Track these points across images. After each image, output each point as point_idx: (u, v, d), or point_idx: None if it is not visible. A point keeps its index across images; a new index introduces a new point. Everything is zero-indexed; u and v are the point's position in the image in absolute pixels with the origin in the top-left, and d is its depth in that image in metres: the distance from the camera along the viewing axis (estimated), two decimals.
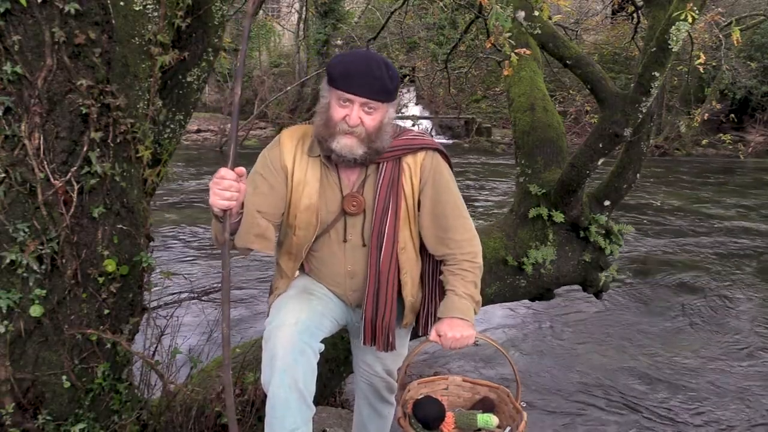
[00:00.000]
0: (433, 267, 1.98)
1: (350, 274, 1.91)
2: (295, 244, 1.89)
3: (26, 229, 1.85)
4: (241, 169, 1.59)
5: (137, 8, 1.96)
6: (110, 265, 1.99)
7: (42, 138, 1.83)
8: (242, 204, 1.67)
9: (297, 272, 2.00)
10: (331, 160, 1.82)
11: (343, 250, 1.89)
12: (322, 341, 1.83)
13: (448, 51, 7.40)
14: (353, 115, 1.70)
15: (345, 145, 1.73)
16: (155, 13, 2.02)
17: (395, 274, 1.88)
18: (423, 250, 1.96)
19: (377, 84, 1.70)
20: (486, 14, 4.22)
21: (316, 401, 1.81)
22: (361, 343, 1.97)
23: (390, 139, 1.81)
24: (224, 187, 1.57)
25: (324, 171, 1.85)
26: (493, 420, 1.94)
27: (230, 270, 1.64)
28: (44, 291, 1.89)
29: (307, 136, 1.86)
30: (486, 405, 2.01)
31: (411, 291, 1.95)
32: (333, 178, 1.85)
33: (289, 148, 1.85)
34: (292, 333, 1.74)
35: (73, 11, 1.79)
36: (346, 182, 1.85)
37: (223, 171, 1.57)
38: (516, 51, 2.90)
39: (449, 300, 1.84)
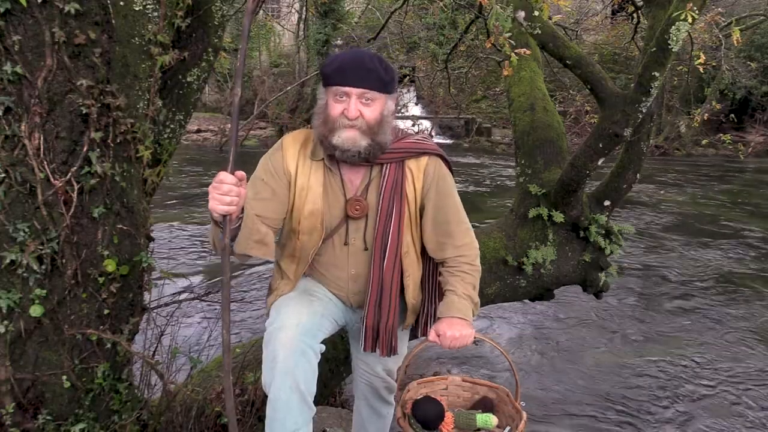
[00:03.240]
0: (432, 269, 1.98)
1: (354, 278, 1.91)
2: (299, 248, 1.88)
3: (26, 229, 1.85)
4: (241, 173, 1.55)
5: (137, 8, 1.96)
6: (110, 265, 1.99)
7: (42, 138, 1.83)
8: (242, 209, 1.63)
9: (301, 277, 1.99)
10: (335, 162, 1.81)
11: (346, 254, 1.89)
12: (322, 342, 1.83)
13: (448, 51, 7.41)
14: (351, 108, 1.70)
15: (347, 137, 1.71)
16: (155, 13, 2.02)
17: (398, 278, 1.88)
18: (423, 252, 1.97)
19: (372, 75, 1.70)
20: (486, 14, 4.22)
21: (316, 401, 1.81)
22: (361, 348, 1.96)
23: (392, 136, 1.80)
24: (224, 192, 1.52)
25: (327, 175, 1.84)
26: (492, 420, 1.94)
27: (230, 275, 1.62)
28: (44, 291, 1.89)
29: (309, 140, 1.86)
30: (485, 405, 2.01)
31: (413, 294, 1.95)
32: (336, 182, 1.84)
33: (292, 152, 1.84)
34: (294, 334, 1.74)
35: (73, 11, 1.79)
36: (349, 186, 1.84)
37: (223, 175, 1.53)
38: (516, 51, 2.90)
39: (448, 300, 1.84)
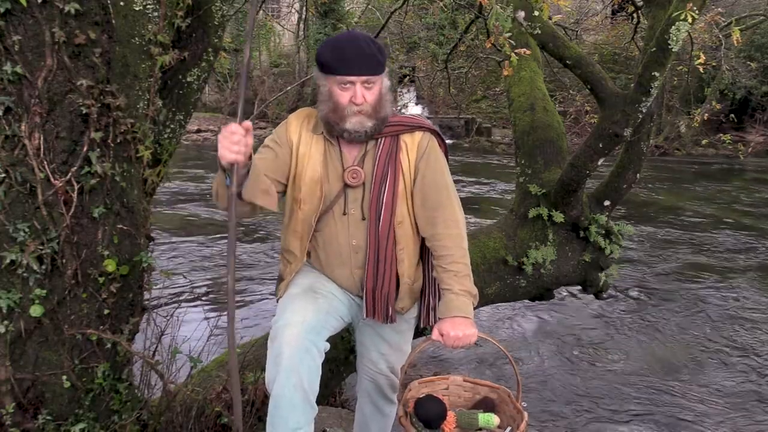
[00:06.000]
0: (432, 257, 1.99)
1: (354, 249, 1.95)
2: (301, 220, 1.94)
3: (26, 229, 1.85)
4: (248, 124, 1.64)
5: (137, 8, 1.96)
6: (110, 265, 1.99)
7: (42, 138, 1.83)
8: (249, 157, 1.71)
9: (305, 255, 2.02)
10: (334, 135, 1.92)
11: (346, 225, 1.94)
12: (327, 340, 1.84)
13: (448, 51, 7.41)
14: (358, 95, 1.81)
15: (357, 123, 1.84)
16: (155, 13, 2.02)
17: (393, 246, 1.93)
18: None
19: (371, 60, 1.81)
20: (486, 14, 4.22)
21: (317, 401, 1.81)
22: (363, 317, 1.98)
23: (391, 108, 1.92)
24: (233, 141, 1.62)
25: (327, 147, 1.94)
26: (494, 420, 1.94)
27: (236, 221, 1.68)
28: (44, 291, 1.89)
29: (312, 116, 1.97)
30: (486, 405, 2.01)
31: (408, 271, 1.97)
32: (335, 154, 1.93)
33: (295, 126, 1.96)
34: (299, 332, 1.76)
35: (73, 11, 1.79)
36: (347, 156, 1.93)
37: (233, 126, 1.63)
38: (516, 51, 2.90)
39: (447, 299, 1.85)
